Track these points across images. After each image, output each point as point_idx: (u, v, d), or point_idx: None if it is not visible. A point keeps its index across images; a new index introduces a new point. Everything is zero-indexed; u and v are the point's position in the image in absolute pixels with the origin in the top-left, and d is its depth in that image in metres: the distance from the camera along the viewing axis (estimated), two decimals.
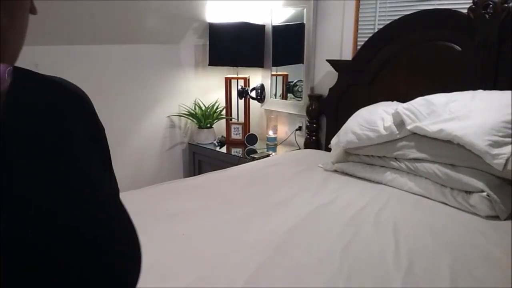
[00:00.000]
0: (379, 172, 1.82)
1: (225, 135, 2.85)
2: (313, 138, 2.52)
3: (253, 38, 2.70)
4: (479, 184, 1.49)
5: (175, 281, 1.06)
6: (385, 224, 1.40)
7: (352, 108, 2.06)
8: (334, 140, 2.01)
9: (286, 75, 2.79)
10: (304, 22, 2.52)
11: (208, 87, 2.90)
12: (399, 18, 2.06)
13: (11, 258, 0.34)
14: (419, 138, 1.69)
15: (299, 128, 2.66)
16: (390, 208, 1.55)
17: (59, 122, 0.46)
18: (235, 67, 2.84)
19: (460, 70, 1.87)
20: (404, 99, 1.87)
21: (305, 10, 2.51)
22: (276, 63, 2.77)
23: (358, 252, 1.22)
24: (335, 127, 2.17)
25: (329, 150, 2.12)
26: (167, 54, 2.65)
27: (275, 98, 2.82)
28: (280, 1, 2.65)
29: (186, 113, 2.75)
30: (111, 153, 0.54)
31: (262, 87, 2.78)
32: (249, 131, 2.80)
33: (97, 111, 0.52)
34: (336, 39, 2.40)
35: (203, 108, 2.78)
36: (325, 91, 2.44)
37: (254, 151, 2.60)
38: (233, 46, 2.66)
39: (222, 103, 2.87)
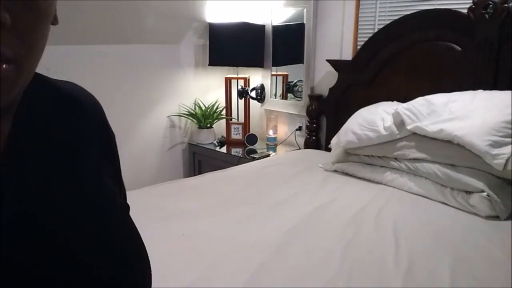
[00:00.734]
0: (379, 172, 1.82)
1: (225, 135, 2.85)
2: (313, 138, 2.52)
3: (253, 38, 2.70)
4: (479, 184, 1.49)
5: (175, 281, 1.05)
6: (385, 224, 1.40)
7: (352, 108, 2.06)
8: (334, 140, 2.01)
9: (286, 75, 2.79)
10: (304, 22, 2.52)
11: (208, 87, 2.90)
12: (399, 18, 2.06)
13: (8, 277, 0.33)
14: (419, 138, 1.69)
15: (299, 128, 2.66)
16: (390, 208, 1.55)
17: (72, 133, 0.45)
18: (235, 67, 2.84)
19: (460, 70, 1.86)
20: (404, 99, 1.87)
21: (305, 10, 2.51)
22: (276, 63, 2.77)
23: (358, 252, 1.22)
24: (335, 127, 2.17)
25: (329, 150, 2.12)
26: (167, 54, 2.65)
27: (275, 98, 2.82)
28: (280, 1, 2.65)
29: (186, 113, 2.75)
30: None
31: (262, 87, 2.78)
32: (249, 131, 2.80)
33: None
34: (336, 39, 2.40)
35: (203, 108, 2.78)
36: (325, 91, 2.44)
37: (254, 151, 2.60)
38: (233, 46, 2.66)
39: (222, 103, 2.87)
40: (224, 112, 2.86)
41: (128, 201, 0.52)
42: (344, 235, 1.32)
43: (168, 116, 2.72)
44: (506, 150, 1.46)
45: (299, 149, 2.58)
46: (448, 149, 1.59)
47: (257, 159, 2.38)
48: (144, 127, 2.60)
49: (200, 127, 2.77)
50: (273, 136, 2.71)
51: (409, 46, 2.03)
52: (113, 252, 0.42)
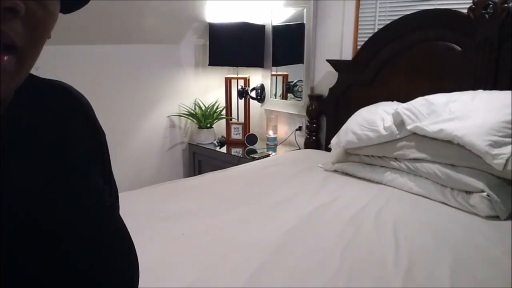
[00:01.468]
0: (379, 172, 1.82)
1: (225, 135, 2.85)
2: (313, 138, 2.52)
3: (253, 38, 2.70)
4: (479, 184, 1.49)
5: (175, 281, 1.05)
6: (385, 224, 1.40)
7: (352, 108, 2.06)
8: (334, 140, 2.01)
9: (286, 75, 2.79)
10: (304, 22, 2.52)
11: (208, 87, 2.90)
12: (399, 18, 2.06)
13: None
14: (419, 138, 1.69)
15: (299, 128, 2.66)
16: (390, 208, 1.55)
17: (62, 131, 0.45)
18: (235, 67, 2.84)
19: (460, 70, 1.86)
20: (404, 99, 1.87)
21: (305, 10, 2.51)
22: (276, 63, 2.77)
23: (358, 252, 1.22)
24: (335, 127, 2.17)
25: (329, 150, 2.12)
26: (167, 54, 2.65)
27: (275, 98, 2.82)
28: (280, 1, 2.65)
29: (186, 113, 2.75)
30: (111, 153, 0.54)
31: (262, 87, 2.78)
32: (249, 131, 2.80)
33: (97, 111, 0.52)
34: (336, 39, 2.40)
35: (203, 108, 2.78)
36: (325, 91, 2.44)
37: (254, 151, 2.60)
38: (233, 46, 2.66)
39: (222, 103, 2.87)
40: (224, 112, 2.86)
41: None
42: (344, 235, 1.32)
43: (168, 116, 2.72)
44: (506, 150, 1.46)
45: (299, 149, 2.58)
46: (448, 149, 1.59)
47: (257, 159, 2.38)
48: (144, 127, 2.60)
49: (200, 127, 2.77)
50: (273, 136, 2.71)
51: (409, 46, 2.03)
52: (100, 250, 0.42)
